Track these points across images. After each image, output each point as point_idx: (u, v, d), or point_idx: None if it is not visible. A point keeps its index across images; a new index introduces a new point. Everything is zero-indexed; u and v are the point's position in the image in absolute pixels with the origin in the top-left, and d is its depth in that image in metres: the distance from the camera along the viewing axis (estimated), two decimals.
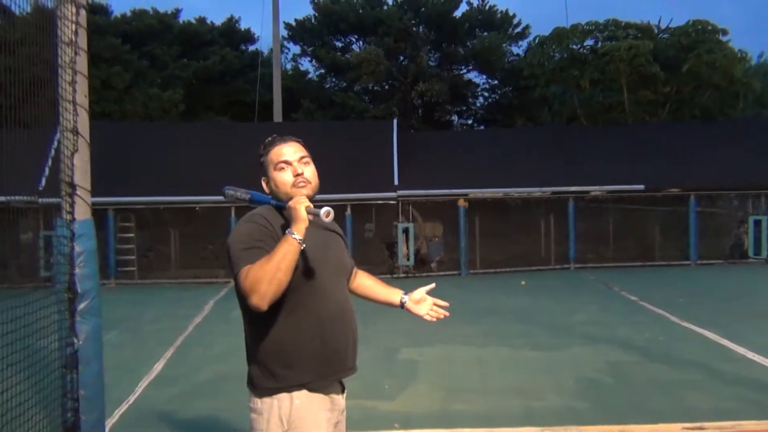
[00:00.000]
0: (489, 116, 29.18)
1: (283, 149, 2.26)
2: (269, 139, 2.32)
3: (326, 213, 2.05)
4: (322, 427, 2.16)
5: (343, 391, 2.29)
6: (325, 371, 2.17)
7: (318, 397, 2.16)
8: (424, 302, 2.54)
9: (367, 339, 7.23)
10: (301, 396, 2.13)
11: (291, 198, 2.15)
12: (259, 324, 2.13)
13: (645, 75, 20.50)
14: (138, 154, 14.67)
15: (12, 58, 3.45)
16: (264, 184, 2.29)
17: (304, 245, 2.04)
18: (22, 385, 3.39)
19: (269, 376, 2.14)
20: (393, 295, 2.53)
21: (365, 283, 2.55)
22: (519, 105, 27.43)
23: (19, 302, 3.44)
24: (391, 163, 14.69)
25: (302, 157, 2.26)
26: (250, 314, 2.11)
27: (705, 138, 16.54)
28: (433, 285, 2.56)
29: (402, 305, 2.51)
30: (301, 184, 2.22)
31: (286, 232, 2.04)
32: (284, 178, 2.22)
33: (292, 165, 2.24)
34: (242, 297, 2.05)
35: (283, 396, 2.12)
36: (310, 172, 2.27)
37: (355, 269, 2.52)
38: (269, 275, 1.98)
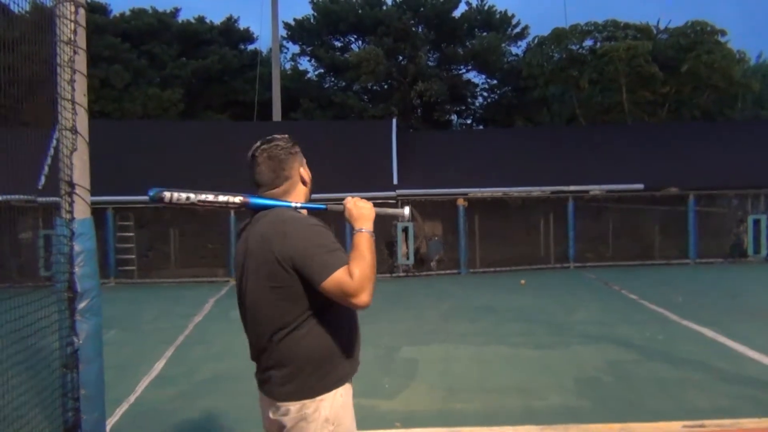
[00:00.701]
0: (488, 116, 29.17)
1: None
2: (286, 136, 2.36)
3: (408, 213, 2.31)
4: (353, 412, 2.24)
5: None
6: (357, 360, 2.27)
7: (349, 387, 2.23)
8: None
9: (367, 338, 7.23)
10: (344, 391, 2.18)
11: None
12: (320, 323, 2.11)
13: (644, 75, 20.49)
14: (137, 153, 14.66)
15: (11, 57, 3.45)
16: (303, 172, 2.31)
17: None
18: (23, 385, 3.39)
19: (324, 374, 2.12)
20: None
21: None
22: (518, 105, 27.44)
23: (19, 302, 3.43)
24: (390, 162, 14.70)
25: None
26: (313, 315, 2.10)
27: (704, 138, 16.57)
28: None
29: None
30: None
31: (360, 230, 2.14)
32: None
33: None
34: (321, 298, 2.06)
35: (329, 395, 2.12)
36: None
37: None
38: (371, 272, 2.03)
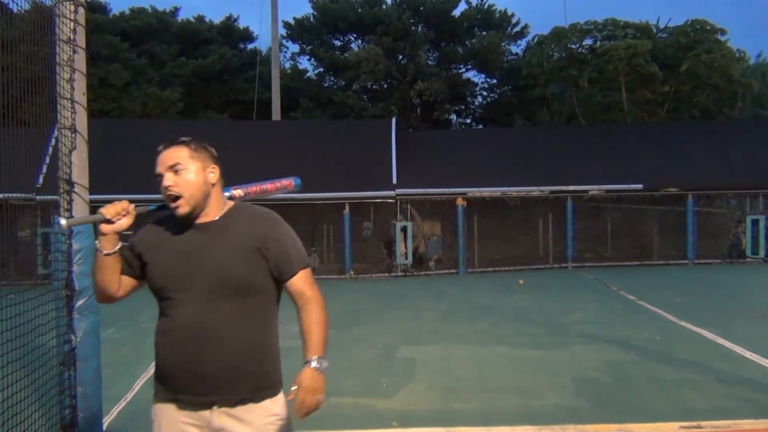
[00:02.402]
0: (488, 115, 29.15)
1: (158, 159, 2.10)
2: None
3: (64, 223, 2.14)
4: None
5: (212, 407, 2.05)
6: (173, 387, 2.06)
7: (170, 409, 2.08)
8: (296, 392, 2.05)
9: (365, 338, 7.25)
10: (157, 408, 2.12)
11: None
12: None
13: (643, 75, 20.50)
14: (136, 151, 14.62)
15: (11, 57, 3.45)
16: None
17: (140, 249, 2.14)
18: (20, 382, 3.39)
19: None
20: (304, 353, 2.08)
21: (301, 326, 2.10)
22: (518, 104, 27.42)
23: (17, 299, 3.44)
24: (390, 161, 14.70)
25: (174, 165, 2.06)
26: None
27: (703, 138, 16.58)
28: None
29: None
30: (174, 202, 2.05)
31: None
32: (161, 192, 2.08)
33: (163, 176, 2.07)
34: None
35: (155, 405, 2.14)
36: (183, 181, 2.06)
37: (300, 297, 2.11)
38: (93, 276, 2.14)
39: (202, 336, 2.00)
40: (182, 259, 2.06)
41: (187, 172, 2.06)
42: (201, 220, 2.09)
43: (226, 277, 2.03)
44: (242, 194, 2.36)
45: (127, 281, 2.18)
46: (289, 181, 2.46)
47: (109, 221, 2.04)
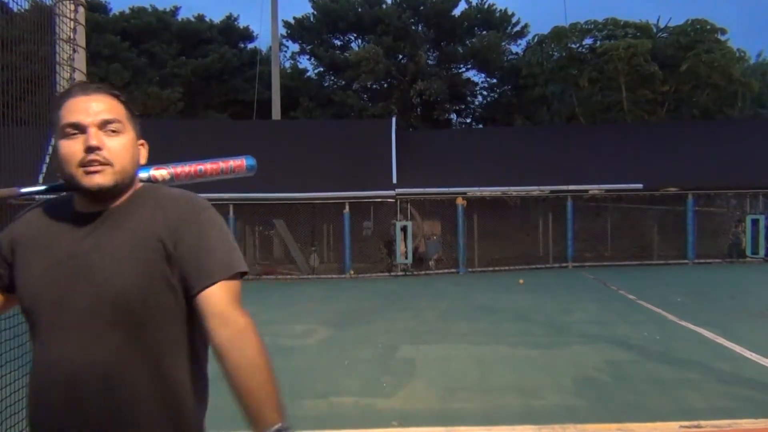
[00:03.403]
0: (488, 115, 29.18)
1: (79, 104, 1.37)
2: (68, 88, 1.49)
3: None
4: None
5: None
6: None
7: None
8: None
9: (365, 337, 7.26)
10: None
11: (74, 183, 1.39)
12: None
13: (643, 74, 20.53)
14: None
15: (10, 56, 3.45)
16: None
17: (7, 251, 1.47)
18: (18, 381, 3.39)
19: None
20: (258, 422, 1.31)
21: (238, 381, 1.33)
22: (518, 104, 27.44)
23: None
24: (390, 161, 14.70)
25: (107, 122, 1.37)
26: None
27: (703, 137, 16.59)
28: None
29: None
30: (94, 167, 1.36)
31: None
32: (69, 150, 1.37)
33: (86, 132, 1.36)
34: None
35: None
36: (117, 147, 1.38)
37: (221, 325, 1.32)
38: None
39: (80, 383, 1.33)
40: (60, 267, 1.38)
41: (124, 138, 1.40)
42: (97, 207, 1.42)
43: (111, 295, 1.34)
44: (167, 176, 1.75)
45: None
46: (239, 162, 1.90)
47: None
